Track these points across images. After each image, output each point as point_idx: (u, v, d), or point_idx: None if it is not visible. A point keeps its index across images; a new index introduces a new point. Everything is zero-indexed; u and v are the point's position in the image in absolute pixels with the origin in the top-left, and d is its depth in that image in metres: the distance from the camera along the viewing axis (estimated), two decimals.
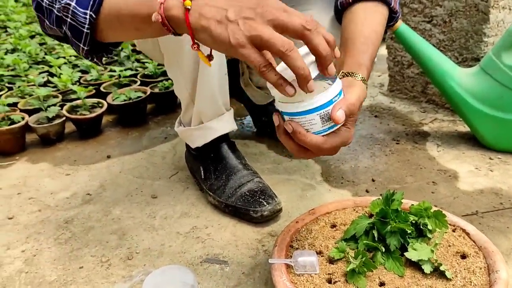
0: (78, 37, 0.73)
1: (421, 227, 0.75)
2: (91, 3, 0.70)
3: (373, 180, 1.11)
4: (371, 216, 0.82)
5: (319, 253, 0.78)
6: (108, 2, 0.70)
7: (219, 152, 1.10)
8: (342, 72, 0.75)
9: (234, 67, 1.33)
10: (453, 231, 0.80)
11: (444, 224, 0.74)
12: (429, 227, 0.75)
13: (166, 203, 1.10)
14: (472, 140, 1.23)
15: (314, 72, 0.60)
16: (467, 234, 0.78)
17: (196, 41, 0.60)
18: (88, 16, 0.70)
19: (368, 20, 0.86)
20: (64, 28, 0.73)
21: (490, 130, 1.16)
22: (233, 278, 0.83)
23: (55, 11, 0.73)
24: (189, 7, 0.58)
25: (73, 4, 0.70)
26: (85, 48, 0.73)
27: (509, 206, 0.95)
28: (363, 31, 0.82)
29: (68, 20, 0.71)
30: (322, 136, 0.64)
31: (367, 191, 1.07)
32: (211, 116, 1.05)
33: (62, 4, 0.71)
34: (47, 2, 0.73)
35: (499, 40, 1.12)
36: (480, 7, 1.25)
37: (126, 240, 0.96)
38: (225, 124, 1.08)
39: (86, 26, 0.71)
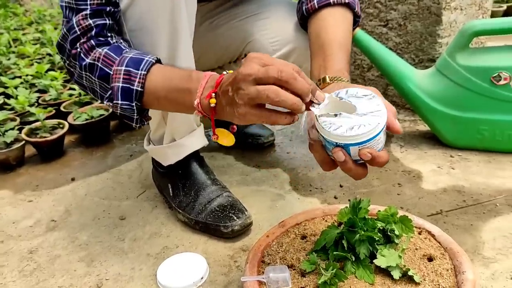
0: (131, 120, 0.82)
1: (389, 233, 0.76)
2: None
3: (340, 186, 1.12)
4: (340, 224, 0.83)
5: (291, 266, 0.78)
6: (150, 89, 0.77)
7: (188, 168, 1.09)
8: (328, 77, 0.77)
9: None
10: (419, 233, 0.81)
11: (410, 228, 0.75)
12: (396, 232, 0.76)
13: (135, 224, 1.07)
14: (433, 139, 1.26)
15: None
16: (433, 236, 0.80)
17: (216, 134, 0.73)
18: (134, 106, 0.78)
19: (338, 25, 0.88)
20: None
21: (449, 129, 1.19)
22: None
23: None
24: (214, 105, 0.68)
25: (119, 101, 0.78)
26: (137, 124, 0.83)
27: (472, 203, 0.98)
28: (337, 37, 0.85)
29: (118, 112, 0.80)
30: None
31: (335, 197, 1.08)
32: (183, 133, 1.05)
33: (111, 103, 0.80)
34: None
35: (452, 41, 1.16)
36: (433, 9, 1.29)
37: (94, 267, 0.93)
38: (197, 140, 1.08)
39: (135, 116, 0.80)
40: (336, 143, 0.62)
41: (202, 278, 0.86)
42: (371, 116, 0.62)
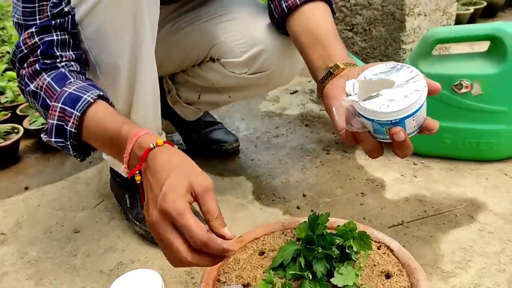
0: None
1: (347, 249, 0.74)
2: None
3: (304, 195, 1.10)
4: (299, 240, 0.81)
5: (247, 285, 0.75)
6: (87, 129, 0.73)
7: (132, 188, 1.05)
8: (340, 63, 0.73)
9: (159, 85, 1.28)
10: (378, 248, 0.80)
11: (368, 245, 0.74)
12: (354, 249, 0.74)
13: (90, 238, 1.03)
14: None
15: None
16: (391, 251, 0.79)
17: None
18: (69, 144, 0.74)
19: (326, 17, 0.86)
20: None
21: (413, 136, 1.18)
22: None
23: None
24: (139, 182, 0.65)
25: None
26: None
27: (432, 214, 0.98)
28: (330, 28, 0.82)
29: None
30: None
31: (298, 207, 1.06)
32: None
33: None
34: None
35: (415, 48, 1.15)
36: (396, 15, 1.28)
37: (43, 286, 0.89)
38: None
39: (71, 153, 0.76)
40: (391, 120, 0.57)
41: None
42: (412, 82, 0.58)
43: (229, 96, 1.17)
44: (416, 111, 0.57)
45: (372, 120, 0.59)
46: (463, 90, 1.09)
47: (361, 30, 1.37)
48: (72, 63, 0.79)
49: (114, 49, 0.83)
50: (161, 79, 1.27)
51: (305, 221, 0.81)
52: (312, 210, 1.04)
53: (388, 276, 0.74)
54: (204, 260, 0.57)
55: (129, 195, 1.05)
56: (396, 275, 0.74)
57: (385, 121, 0.58)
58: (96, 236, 1.03)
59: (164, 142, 0.63)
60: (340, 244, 0.75)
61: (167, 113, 1.34)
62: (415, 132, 0.62)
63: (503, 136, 1.10)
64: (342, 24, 1.40)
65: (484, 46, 1.14)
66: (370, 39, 1.36)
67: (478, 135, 1.11)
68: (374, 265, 0.76)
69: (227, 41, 1.09)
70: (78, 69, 0.79)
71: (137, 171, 0.63)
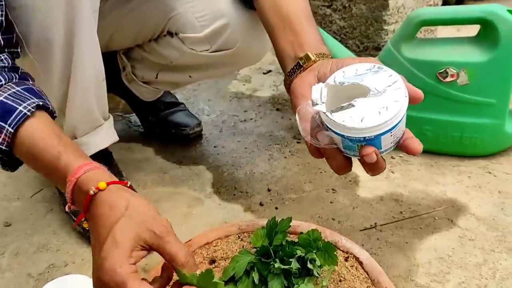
0: None
1: (308, 263, 0.64)
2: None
3: (268, 190, 0.99)
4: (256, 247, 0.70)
5: None
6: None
7: None
8: (312, 54, 0.61)
9: (113, 62, 1.13)
10: (346, 259, 0.70)
11: (334, 259, 0.63)
12: (318, 262, 0.64)
13: (22, 233, 0.90)
14: None
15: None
16: (360, 263, 0.69)
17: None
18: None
19: None
20: None
21: None
22: None
23: None
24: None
25: None
26: None
27: (409, 216, 0.88)
28: (302, 7, 0.70)
29: None
30: None
31: (261, 204, 0.95)
32: (87, 130, 0.88)
33: None
34: None
35: (398, 30, 1.03)
36: None
37: None
38: (104, 137, 0.92)
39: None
40: (364, 137, 0.49)
41: None
42: (391, 90, 0.48)
43: (190, 76, 1.04)
44: (395, 126, 0.48)
45: (342, 136, 0.49)
46: (449, 79, 0.98)
47: (340, 7, 1.24)
48: (2, 55, 0.64)
49: (43, 20, 0.70)
50: (114, 54, 1.13)
51: (263, 227, 0.70)
52: (276, 208, 0.93)
53: None
54: None
55: None
56: None
57: (357, 137, 0.48)
58: (30, 231, 0.90)
59: (108, 183, 0.53)
60: (301, 256, 0.65)
61: (123, 92, 1.20)
62: (392, 148, 0.52)
63: (488, 131, 1.00)
64: (320, 0, 1.27)
65: (473, 30, 1.03)
66: (350, 18, 1.23)
67: (462, 129, 1.01)
68: (340, 281, 0.66)
69: (186, 13, 0.96)
70: (10, 64, 0.64)
71: (82, 219, 0.56)
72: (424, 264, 0.76)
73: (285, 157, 1.11)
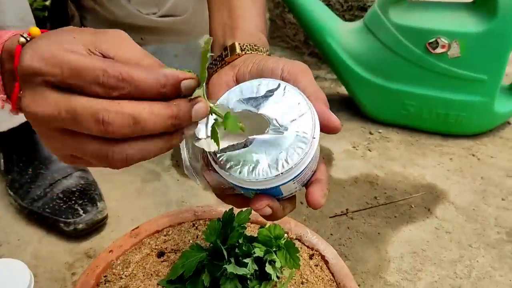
0: None
1: (266, 266, 0.56)
2: None
3: None
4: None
5: None
6: None
7: (28, 138, 0.81)
8: (239, 44, 0.47)
9: (63, 9, 0.99)
10: (310, 257, 0.62)
11: (296, 261, 0.55)
12: (277, 264, 0.56)
13: None
14: (354, 107, 1.06)
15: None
16: (326, 262, 0.61)
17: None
18: None
19: None
20: None
21: (371, 99, 0.99)
22: None
23: None
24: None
25: None
26: None
27: (383, 202, 0.81)
28: None
29: None
30: None
31: None
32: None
33: None
34: None
35: None
36: None
37: None
38: None
39: None
40: (258, 189, 0.39)
41: None
42: (297, 126, 0.38)
43: (142, 39, 0.92)
44: (298, 174, 0.38)
45: (234, 184, 0.39)
46: (439, 50, 0.88)
47: None
48: None
49: None
50: (64, 3, 0.99)
51: (218, 219, 0.61)
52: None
53: None
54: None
55: (4, 155, 0.81)
56: None
57: (250, 188, 0.39)
58: None
59: (42, 31, 0.36)
60: (259, 257, 0.57)
61: None
62: (299, 190, 0.43)
63: (476, 109, 0.92)
64: None
65: None
66: None
67: (448, 106, 0.92)
68: (302, 283, 0.59)
69: None
70: None
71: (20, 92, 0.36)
72: (396, 259, 0.70)
73: None
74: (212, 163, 0.39)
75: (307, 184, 0.42)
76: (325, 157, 0.92)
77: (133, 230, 0.66)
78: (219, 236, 0.58)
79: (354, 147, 0.95)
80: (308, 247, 0.63)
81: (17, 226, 0.76)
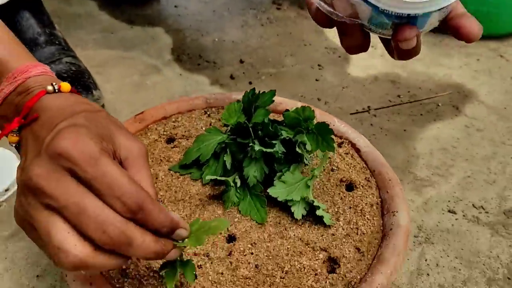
0: None
1: (297, 148, 0.49)
2: None
3: (241, 62, 0.81)
4: (228, 126, 0.54)
5: None
6: None
7: (13, 17, 0.70)
8: None
9: None
10: (339, 145, 0.56)
11: (330, 144, 0.48)
12: (308, 147, 0.49)
13: None
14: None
15: None
16: (358, 150, 0.55)
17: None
18: None
19: None
20: None
21: None
22: None
23: None
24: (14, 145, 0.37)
25: None
26: None
27: (408, 100, 0.74)
28: None
29: None
30: None
31: (232, 77, 0.77)
32: None
33: None
34: None
35: None
36: None
37: None
38: None
39: None
40: (410, 14, 0.35)
41: (7, 190, 0.56)
42: None
43: None
44: (449, 5, 0.35)
45: (376, 8, 0.35)
46: None
47: None
48: None
49: None
50: None
51: (237, 101, 0.53)
52: (250, 83, 0.76)
53: (350, 187, 0.51)
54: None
55: None
56: (362, 186, 0.51)
57: (398, 13, 0.35)
58: None
59: (72, 91, 0.38)
60: (287, 138, 0.50)
61: None
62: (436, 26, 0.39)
63: (509, 7, 0.84)
64: None
65: None
66: None
67: (480, 1, 0.84)
68: (332, 170, 0.53)
69: None
70: None
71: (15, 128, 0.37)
72: (425, 155, 0.64)
73: (262, 25, 0.91)
74: None
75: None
76: (342, 55, 0.84)
77: (137, 115, 0.58)
78: (240, 117, 0.51)
79: (372, 46, 0.86)
80: (336, 135, 0.57)
81: None
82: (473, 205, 0.58)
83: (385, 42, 0.44)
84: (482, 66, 0.82)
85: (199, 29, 0.89)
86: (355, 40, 0.42)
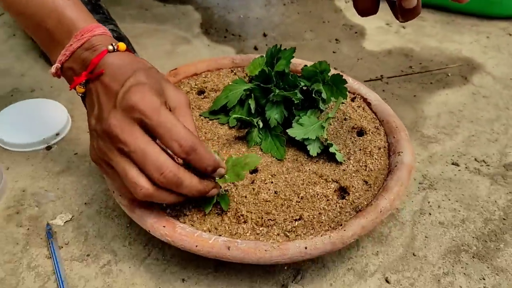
0: None
1: (313, 95, 0.55)
2: None
3: (264, 35, 0.88)
4: (251, 80, 0.61)
5: None
6: None
7: None
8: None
9: None
10: (352, 100, 0.62)
11: (343, 92, 0.55)
12: (323, 95, 0.55)
13: None
14: None
15: None
16: (368, 104, 0.61)
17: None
18: None
19: None
20: None
21: None
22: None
23: None
24: (81, 95, 0.46)
25: None
26: None
27: (419, 71, 0.79)
28: None
29: None
30: None
31: (255, 48, 0.84)
32: None
33: None
34: None
35: None
36: None
37: None
38: None
39: None
40: None
41: (57, 134, 0.63)
42: None
43: None
44: None
45: None
46: None
47: None
48: None
49: None
50: None
51: (261, 56, 0.60)
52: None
53: (361, 133, 0.57)
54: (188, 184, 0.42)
55: None
56: (372, 132, 0.57)
57: None
58: None
59: (127, 50, 0.46)
60: (305, 87, 0.56)
61: None
62: None
63: None
64: None
65: None
66: None
67: None
68: (345, 119, 0.59)
69: None
70: None
71: (83, 81, 0.44)
72: (432, 117, 0.70)
73: (284, 4, 0.98)
74: None
75: None
76: (358, 31, 0.90)
77: (172, 70, 0.65)
78: (264, 67, 0.58)
79: (387, 24, 0.92)
80: (350, 91, 0.63)
81: (49, 76, 0.75)
82: (475, 159, 0.63)
83: (390, 5, 0.50)
84: (492, 43, 0.86)
85: (226, 6, 0.96)
86: (364, 2, 0.49)
